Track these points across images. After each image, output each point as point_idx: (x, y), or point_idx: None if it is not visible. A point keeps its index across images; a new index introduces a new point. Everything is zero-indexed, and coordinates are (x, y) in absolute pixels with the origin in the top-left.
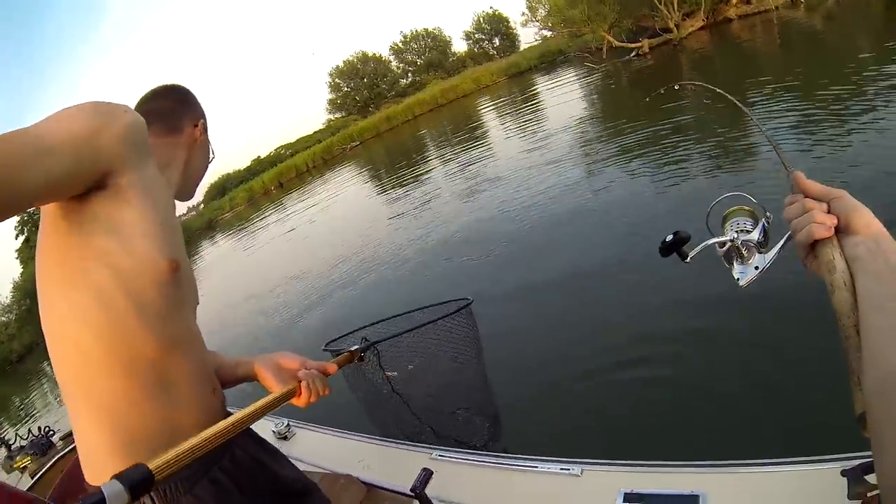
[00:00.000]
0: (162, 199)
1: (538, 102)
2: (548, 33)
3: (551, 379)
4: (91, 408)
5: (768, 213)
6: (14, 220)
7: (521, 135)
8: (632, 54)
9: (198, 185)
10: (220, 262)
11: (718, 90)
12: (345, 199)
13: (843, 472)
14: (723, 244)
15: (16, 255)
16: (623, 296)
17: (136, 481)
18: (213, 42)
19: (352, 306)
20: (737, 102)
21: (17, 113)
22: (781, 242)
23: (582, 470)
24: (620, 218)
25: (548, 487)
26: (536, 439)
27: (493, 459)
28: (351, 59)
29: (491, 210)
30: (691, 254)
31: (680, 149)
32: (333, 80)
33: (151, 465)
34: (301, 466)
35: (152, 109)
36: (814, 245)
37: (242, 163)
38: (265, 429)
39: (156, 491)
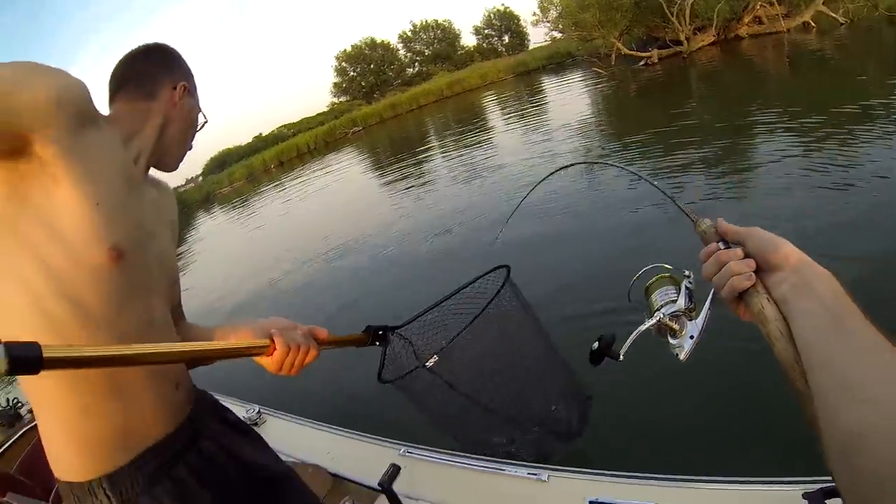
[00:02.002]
0: (107, 175)
1: (544, 102)
2: (558, 35)
3: None
4: (43, 408)
5: (687, 273)
6: None
7: (524, 131)
8: (640, 63)
9: (182, 153)
10: (216, 238)
11: (611, 163)
12: (346, 182)
13: (805, 496)
14: (650, 328)
15: None
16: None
17: (22, 358)
18: (220, 17)
19: (365, 287)
20: (632, 171)
21: None
22: (706, 304)
23: (549, 476)
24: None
25: (515, 490)
26: None
27: (462, 460)
28: (359, 43)
29: (495, 196)
30: (622, 350)
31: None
32: (340, 64)
33: (45, 352)
34: None
35: (126, 73)
36: (742, 296)
37: (243, 139)
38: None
39: (112, 489)
